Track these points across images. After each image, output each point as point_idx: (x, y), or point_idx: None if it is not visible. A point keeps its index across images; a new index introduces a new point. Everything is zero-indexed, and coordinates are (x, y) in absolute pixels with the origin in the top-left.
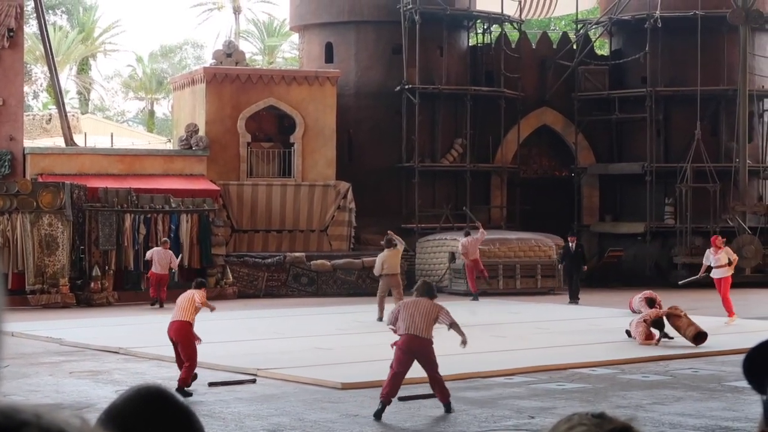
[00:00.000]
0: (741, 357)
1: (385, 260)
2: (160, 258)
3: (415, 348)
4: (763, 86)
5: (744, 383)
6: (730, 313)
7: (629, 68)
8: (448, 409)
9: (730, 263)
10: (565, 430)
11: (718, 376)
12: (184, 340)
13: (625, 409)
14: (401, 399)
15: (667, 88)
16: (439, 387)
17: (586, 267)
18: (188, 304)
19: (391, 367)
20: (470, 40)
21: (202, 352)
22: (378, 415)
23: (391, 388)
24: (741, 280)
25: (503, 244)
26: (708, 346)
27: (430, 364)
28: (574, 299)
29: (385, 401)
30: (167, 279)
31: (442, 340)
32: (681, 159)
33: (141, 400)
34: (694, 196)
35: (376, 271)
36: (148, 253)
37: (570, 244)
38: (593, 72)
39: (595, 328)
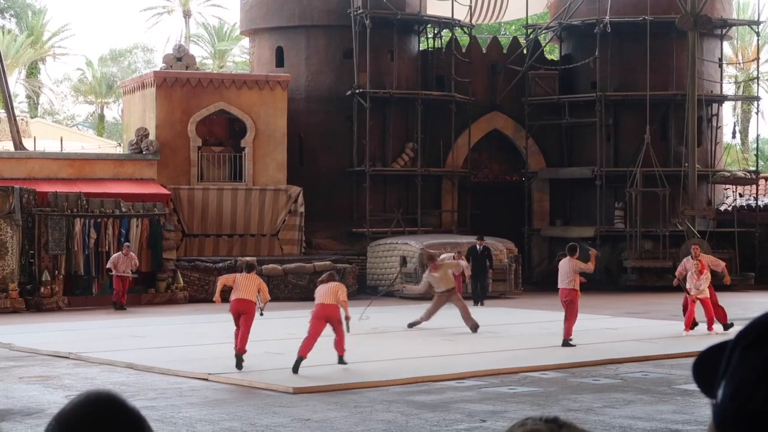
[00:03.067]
0: (690, 360)
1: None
2: (124, 263)
3: (325, 314)
4: (711, 91)
5: (694, 386)
6: (711, 323)
7: (579, 73)
8: (341, 360)
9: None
10: None
11: (668, 380)
12: (249, 313)
13: (576, 412)
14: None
15: (617, 92)
16: (339, 345)
17: (492, 270)
18: (253, 286)
19: (308, 331)
20: (421, 44)
21: (153, 357)
22: (295, 369)
23: (306, 347)
24: None
25: (454, 248)
26: (657, 349)
27: (337, 324)
28: (481, 302)
29: (302, 357)
30: (130, 283)
31: (391, 346)
32: (631, 163)
33: (91, 407)
34: (643, 201)
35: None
36: (110, 261)
37: (478, 247)
38: (543, 77)
39: (546, 331)
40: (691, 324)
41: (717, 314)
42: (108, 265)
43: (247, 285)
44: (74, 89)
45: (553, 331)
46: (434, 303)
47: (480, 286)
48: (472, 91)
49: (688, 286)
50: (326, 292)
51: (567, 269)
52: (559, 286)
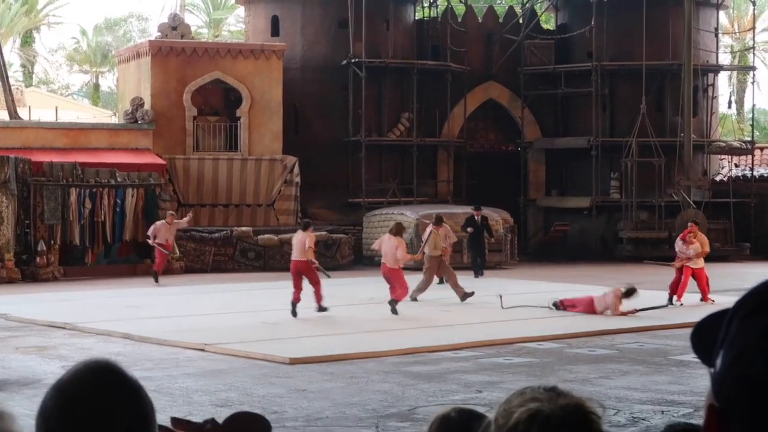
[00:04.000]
0: (686, 331)
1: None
2: (166, 232)
3: (296, 269)
4: (707, 61)
5: (689, 357)
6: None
7: (575, 43)
8: (320, 309)
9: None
10: (518, 404)
11: (663, 350)
12: (308, 273)
13: (572, 383)
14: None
15: (613, 62)
16: (317, 295)
17: (493, 239)
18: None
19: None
20: (416, 13)
21: (149, 328)
22: (293, 313)
23: (295, 295)
24: None
25: (450, 219)
26: (653, 320)
27: (310, 276)
28: (479, 273)
29: (295, 302)
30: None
31: (387, 317)
32: (626, 133)
33: (90, 375)
34: (639, 171)
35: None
36: (151, 229)
37: (476, 218)
38: (539, 46)
39: (542, 302)
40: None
41: (683, 288)
42: (149, 233)
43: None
44: (69, 58)
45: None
46: (428, 271)
47: (479, 257)
48: (467, 60)
49: (677, 249)
50: (295, 246)
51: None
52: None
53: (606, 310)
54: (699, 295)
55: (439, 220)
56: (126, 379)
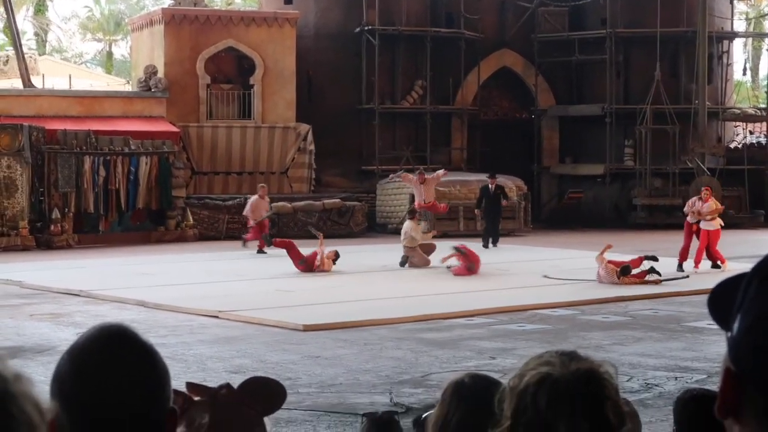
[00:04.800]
0: (699, 298)
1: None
2: (261, 207)
3: None
4: (722, 28)
5: (703, 323)
6: (722, 260)
7: (589, 9)
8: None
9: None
10: (534, 366)
11: (677, 317)
12: None
13: (586, 349)
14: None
15: (627, 29)
16: None
17: (507, 201)
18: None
19: None
20: None
21: (163, 295)
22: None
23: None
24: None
25: (464, 186)
26: (667, 287)
27: None
28: (494, 243)
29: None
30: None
31: (400, 284)
32: (640, 101)
33: (104, 339)
34: (653, 138)
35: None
36: (248, 207)
37: (490, 186)
38: (553, 13)
39: (556, 269)
40: (698, 260)
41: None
42: (245, 212)
43: None
44: (82, 26)
45: (563, 268)
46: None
47: (492, 228)
48: (481, 28)
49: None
50: None
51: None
52: None
53: (608, 281)
54: (710, 262)
55: (412, 213)
56: (140, 343)
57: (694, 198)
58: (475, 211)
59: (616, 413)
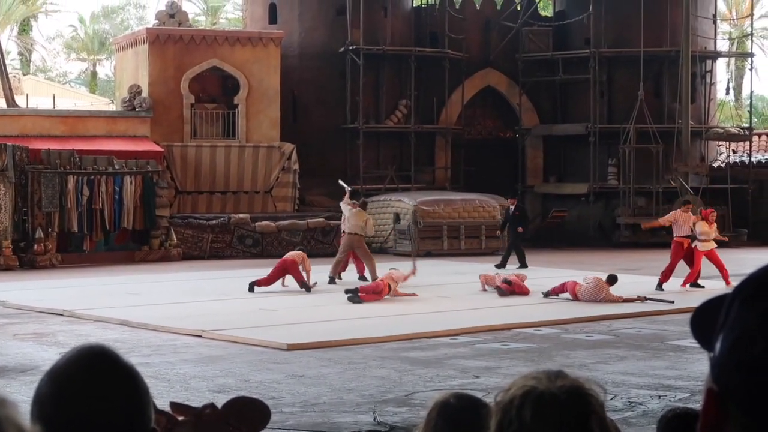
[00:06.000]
0: (682, 316)
1: (349, 218)
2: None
3: None
4: (705, 48)
5: (686, 342)
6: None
7: (573, 29)
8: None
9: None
10: (521, 384)
11: (660, 336)
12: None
13: (569, 368)
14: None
15: (611, 49)
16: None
17: (521, 229)
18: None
19: None
20: (414, 0)
21: (147, 314)
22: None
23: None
24: None
25: (447, 205)
26: (650, 306)
27: None
28: (501, 265)
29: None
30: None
31: (384, 303)
32: (624, 120)
33: (84, 360)
34: (637, 157)
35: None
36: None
37: (510, 207)
38: (537, 33)
39: (539, 287)
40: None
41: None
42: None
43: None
44: (66, 46)
45: (546, 287)
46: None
47: (511, 247)
48: (465, 47)
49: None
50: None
51: None
52: None
53: (592, 301)
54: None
55: (364, 205)
56: (120, 364)
57: (693, 217)
58: (497, 232)
59: (602, 427)
